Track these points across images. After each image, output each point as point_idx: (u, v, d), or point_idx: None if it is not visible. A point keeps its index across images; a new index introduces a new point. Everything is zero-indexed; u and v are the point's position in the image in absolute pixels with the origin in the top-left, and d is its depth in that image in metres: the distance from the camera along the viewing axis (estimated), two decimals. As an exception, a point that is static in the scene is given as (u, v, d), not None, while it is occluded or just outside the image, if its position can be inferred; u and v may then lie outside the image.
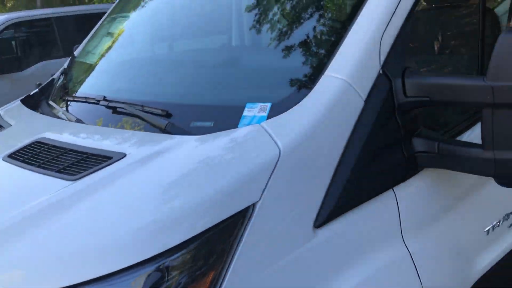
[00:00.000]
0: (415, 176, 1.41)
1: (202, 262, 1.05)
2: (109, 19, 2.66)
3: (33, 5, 17.44)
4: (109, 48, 2.32)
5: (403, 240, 1.41)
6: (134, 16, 2.47)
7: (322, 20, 1.54)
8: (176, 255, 1.02)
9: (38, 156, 1.44)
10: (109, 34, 2.57)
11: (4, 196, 1.35)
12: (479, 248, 1.76)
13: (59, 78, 2.40)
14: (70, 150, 1.43)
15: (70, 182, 1.24)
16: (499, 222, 1.85)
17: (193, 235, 1.04)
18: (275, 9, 1.64)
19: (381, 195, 1.33)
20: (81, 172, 1.26)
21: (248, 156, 1.18)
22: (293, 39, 1.51)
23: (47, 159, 1.40)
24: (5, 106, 2.41)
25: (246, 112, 1.35)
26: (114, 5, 2.85)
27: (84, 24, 7.06)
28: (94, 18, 7.37)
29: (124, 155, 1.29)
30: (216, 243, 1.06)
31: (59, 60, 6.56)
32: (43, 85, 2.58)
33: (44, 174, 1.33)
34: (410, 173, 1.39)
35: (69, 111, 1.88)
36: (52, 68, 6.41)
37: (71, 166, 1.32)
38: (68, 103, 1.98)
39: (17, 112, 2.11)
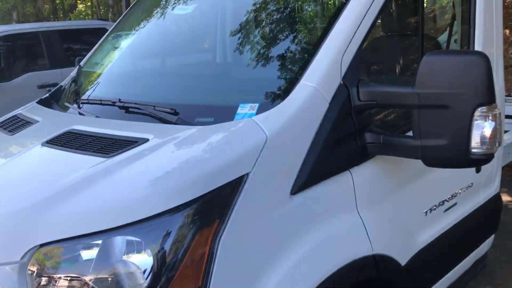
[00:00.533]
0: (367, 161, 1.85)
1: (211, 212, 1.45)
2: (113, 35, 3.05)
3: (9, 19, 17.55)
4: (116, 60, 2.71)
5: (357, 210, 1.84)
6: (136, 33, 2.88)
7: (299, 42, 2.00)
8: (195, 204, 1.42)
9: (74, 142, 1.82)
10: (114, 48, 2.96)
11: (55, 168, 1.71)
12: (419, 226, 2.21)
13: (70, 85, 2.75)
14: (99, 137, 1.81)
15: (106, 159, 1.63)
16: (435, 206, 2.31)
17: (206, 191, 1.44)
18: (264, 30, 2.10)
19: (340, 174, 1.76)
20: (114, 152, 1.65)
21: (243, 139, 1.59)
22: (278, 56, 1.96)
23: (82, 144, 1.78)
24: (23, 107, 2.76)
25: (239, 110, 1.77)
26: (115, 24, 3.25)
27: (68, 39, 7.40)
28: (76, 33, 7.75)
29: (147, 140, 1.69)
30: (222, 199, 1.47)
31: (45, 72, 6.86)
32: (53, 90, 2.93)
33: (83, 154, 1.71)
34: (362, 159, 1.83)
35: (88, 110, 2.25)
36: (38, 79, 6.70)
37: (104, 148, 1.71)
38: (85, 104, 2.35)
39: (39, 111, 2.46)
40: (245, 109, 1.76)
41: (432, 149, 1.64)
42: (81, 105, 2.36)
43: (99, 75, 2.71)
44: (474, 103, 1.51)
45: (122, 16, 3.26)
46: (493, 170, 2.75)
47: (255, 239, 1.53)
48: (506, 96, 6.60)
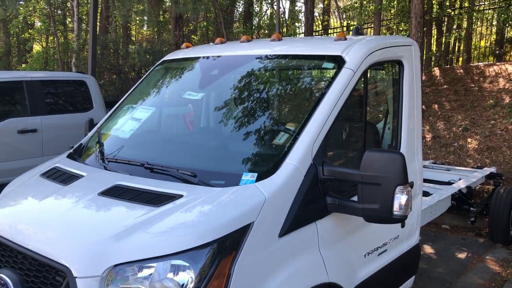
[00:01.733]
0: (327, 216, 2.71)
1: (230, 246, 2.23)
2: (126, 107, 3.80)
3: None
4: (136, 127, 3.46)
5: (319, 250, 2.68)
6: (149, 106, 3.67)
7: (284, 132, 2.89)
8: (220, 241, 2.20)
9: (125, 194, 2.56)
10: (126, 116, 3.70)
11: (118, 212, 2.43)
12: (360, 264, 3.08)
13: (95, 145, 3.40)
14: (144, 191, 2.56)
15: (157, 207, 2.38)
16: (372, 251, 3.20)
17: (227, 233, 2.23)
18: (261, 121, 3.01)
19: (309, 225, 2.61)
20: (161, 203, 2.41)
21: (249, 199, 2.41)
22: (270, 140, 2.86)
23: (132, 196, 2.53)
24: (53, 160, 3.42)
25: (243, 177, 2.59)
26: (126, 95, 4.00)
27: (48, 88, 7.97)
28: (57, 83, 8.31)
29: (182, 195, 2.46)
30: (237, 237, 2.25)
31: (25, 118, 7.35)
32: (75, 146, 3.61)
33: (136, 203, 2.45)
34: (324, 215, 2.69)
35: (121, 168, 2.97)
36: (18, 125, 7.18)
37: (151, 200, 2.46)
38: (112, 162, 3.06)
39: (76, 165, 3.15)
40: (247, 176, 2.59)
41: (369, 210, 2.54)
42: (108, 162, 3.06)
43: (119, 138, 3.44)
44: (395, 183, 2.44)
45: (132, 89, 4.01)
46: (413, 226, 3.70)
47: (256, 265, 2.32)
48: (432, 163, 7.88)
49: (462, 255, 6.10)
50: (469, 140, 8.98)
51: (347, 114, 3.24)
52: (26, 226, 2.57)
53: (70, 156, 3.44)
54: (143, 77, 4.11)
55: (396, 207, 2.48)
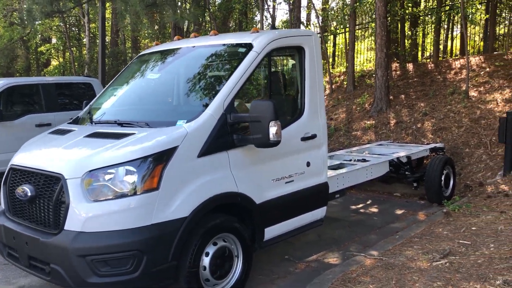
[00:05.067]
0: (236, 148, 4.06)
1: (163, 158, 3.60)
2: (111, 88, 5.25)
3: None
4: (114, 101, 4.91)
5: (231, 170, 4.03)
6: (124, 88, 5.11)
7: (208, 92, 4.27)
8: (156, 154, 3.57)
9: (101, 135, 3.96)
10: (112, 95, 5.15)
11: (96, 144, 3.82)
12: (268, 186, 4.41)
13: (86, 114, 4.88)
14: (113, 133, 3.96)
15: (118, 140, 3.76)
16: (279, 178, 4.53)
17: (162, 150, 3.60)
18: (191, 86, 4.43)
19: (221, 152, 3.96)
20: (121, 138, 3.80)
21: (176, 132, 3.78)
22: (197, 99, 4.26)
23: (105, 136, 3.93)
24: (60, 125, 4.87)
25: (178, 122, 3.97)
26: (112, 81, 5.45)
27: (61, 89, 9.51)
28: (68, 85, 9.85)
29: (135, 133, 3.86)
30: (167, 153, 3.62)
31: (41, 114, 8.88)
32: (75, 117, 5.05)
33: (107, 139, 3.83)
34: (232, 146, 4.03)
35: (102, 125, 4.40)
36: (36, 120, 8.72)
37: (116, 137, 3.85)
38: (97, 124, 4.49)
39: (72, 126, 4.60)
40: (180, 122, 3.97)
41: (256, 139, 3.90)
42: (95, 123, 4.51)
43: (103, 109, 4.89)
44: (269, 119, 3.79)
45: (116, 76, 5.47)
46: (319, 167, 5.01)
47: (180, 173, 3.68)
48: (390, 142, 9.19)
49: (399, 212, 7.35)
50: (426, 122, 10.21)
51: (255, 84, 4.62)
52: (38, 157, 4.01)
53: (71, 123, 4.90)
54: (125, 67, 5.56)
55: (271, 135, 3.83)
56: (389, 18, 14.09)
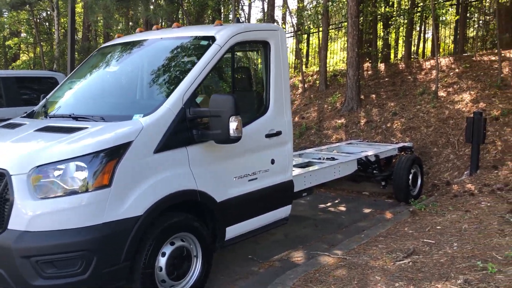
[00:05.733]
0: (197, 144, 3.91)
1: (116, 153, 3.42)
2: (69, 81, 5.03)
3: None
4: (70, 94, 4.69)
5: (190, 167, 3.88)
6: (82, 81, 4.90)
7: (167, 86, 4.11)
8: (108, 150, 3.39)
9: (52, 129, 3.75)
10: (69, 88, 4.92)
11: (46, 138, 3.61)
12: (230, 184, 4.28)
13: (41, 108, 4.66)
14: (65, 127, 3.76)
15: (70, 134, 3.57)
16: (242, 176, 4.40)
17: (114, 145, 3.42)
18: (150, 79, 4.25)
19: (180, 148, 3.81)
20: (73, 132, 3.60)
21: (131, 126, 3.60)
22: (155, 92, 4.08)
23: (57, 130, 3.72)
24: (13, 119, 4.61)
25: (134, 117, 3.80)
26: (70, 74, 5.23)
27: (23, 84, 9.16)
28: (30, 80, 9.51)
29: (88, 127, 3.66)
30: (121, 149, 3.44)
31: (2, 109, 8.53)
32: (29, 111, 4.81)
33: (58, 133, 3.62)
34: (192, 142, 3.89)
35: (57, 119, 4.19)
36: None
37: (68, 131, 3.65)
38: (52, 118, 4.28)
39: (24, 120, 4.36)
40: (137, 116, 3.79)
41: (216, 135, 3.76)
42: (49, 117, 4.29)
43: (59, 102, 4.67)
44: (229, 114, 3.65)
45: (75, 69, 5.24)
46: (285, 165, 4.90)
47: (134, 169, 3.50)
48: (360, 141, 9.17)
49: (367, 211, 7.33)
50: (395, 122, 10.26)
51: (219, 78, 4.48)
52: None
53: (24, 116, 4.65)
54: (85, 60, 5.33)
55: (231, 131, 3.70)
56: (361, 18, 14.16)
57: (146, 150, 3.61)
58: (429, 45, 19.55)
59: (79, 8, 20.50)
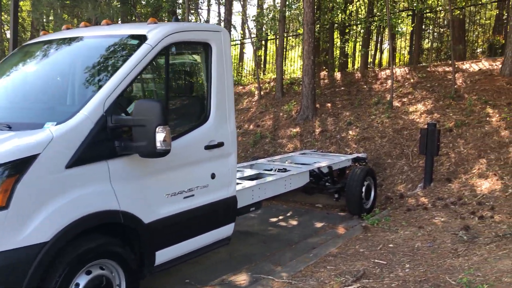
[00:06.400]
0: (121, 157, 3.40)
1: (16, 168, 2.86)
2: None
3: None
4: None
5: (111, 184, 3.36)
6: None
7: (85, 91, 3.58)
8: (10, 164, 2.83)
9: None
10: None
11: None
12: (161, 202, 3.78)
13: None
14: None
15: None
16: (175, 193, 3.91)
17: (12, 160, 2.86)
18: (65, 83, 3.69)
19: (99, 162, 3.28)
20: None
21: (40, 136, 3.06)
22: (70, 98, 3.54)
23: None
24: None
25: (45, 125, 3.25)
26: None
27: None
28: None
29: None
30: (25, 162, 2.89)
31: None
32: None
33: None
34: (114, 155, 3.37)
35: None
36: None
37: None
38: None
39: None
40: (48, 124, 3.25)
41: (140, 147, 3.26)
42: None
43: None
44: (156, 124, 3.17)
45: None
46: (227, 179, 4.45)
47: (39, 188, 2.96)
48: (314, 151, 8.87)
49: (319, 225, 6.98)
50: (350, 132, 10.03)
51: (152, 81, 3.99)
52: None
53: None
54: (3, 59, 4.69)
55: (158, 143, 3.22)
56: (317, 26, 14.00)
57: (56, 164, 3.07)
58: (386, 55, 19.73)
59: (28, 6, 19.39)
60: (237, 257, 5.45)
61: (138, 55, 3.64)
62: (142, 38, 3.79)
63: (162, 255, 3.83)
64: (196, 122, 4.21)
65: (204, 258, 5.27)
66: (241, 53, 21.21)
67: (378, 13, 13.96)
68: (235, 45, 18.45)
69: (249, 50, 21.51)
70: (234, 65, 18.38)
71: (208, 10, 22.21)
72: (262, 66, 18.42)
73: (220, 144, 4.31)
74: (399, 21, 12.23)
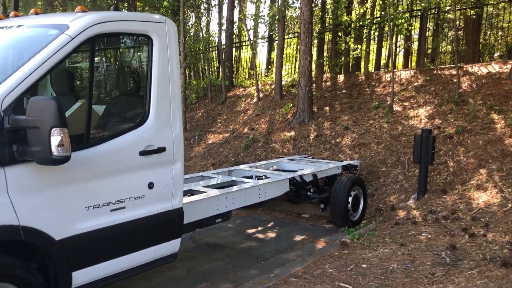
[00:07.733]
0: (22, 164, 2.90)
1: None
2: None
3: None
4: None
5: (8, 194, 2.88)
6: None
7: None
8: None
9: None
10: None
11: None
12: (80, 216, 3.28)
13: None
14: None
15: None
16: (100, 205, 3.41)
17: None
18: None
19: (-6, 169, 2.82)
20: None
21: None
22: None
23: None
24: None
25: None
26: None
27: None
28: None
29: None
30: None
31: None
32: None
33: None
34: (12, 162, 2.88)
35: None
36: None
37: None
38: None
39: None
40: None
41: (36, 153, 2.77)
42: None
43: None
44: (50, 125, 2.68)
45: None
46: (170, 190, 3.94)
47: None
48: (304, 157, 8.30)
49: (299, 238, 6.41)
50: (346, 137, 9.42)
51: (74, 77, 3.51)
52: None
53: None
54: None
55: (53, 148, 2.72)
56: (319, 26, 13.45)
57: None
58: (400, 58, 18.97)
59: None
60: (195, 274, 4.93)
61: (52, 46, 3.17)
62: (62, 28, 3.32)
63: (81, 276, 3.33)
64: (129, 124, 3.72)
65: (156, 274, 4.78)
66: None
67: (383, 13, 13.29)
68: (246, 46, 17.89)
69: (260, 50, 21.00)
70: (246, 68, 17.87)
71: (208, 10, 21.76)
72: (268, 67, 17.91)
73: (161, 150, 3.81)
74: (402, 20, 11.53)
